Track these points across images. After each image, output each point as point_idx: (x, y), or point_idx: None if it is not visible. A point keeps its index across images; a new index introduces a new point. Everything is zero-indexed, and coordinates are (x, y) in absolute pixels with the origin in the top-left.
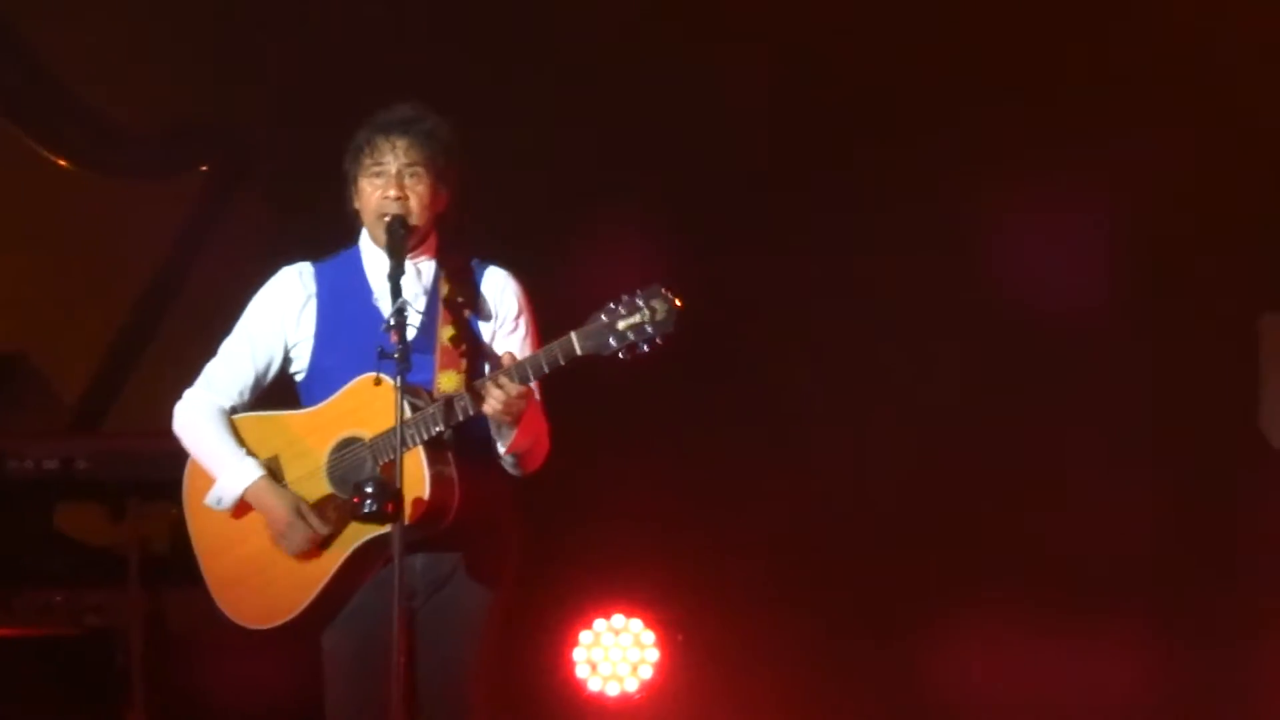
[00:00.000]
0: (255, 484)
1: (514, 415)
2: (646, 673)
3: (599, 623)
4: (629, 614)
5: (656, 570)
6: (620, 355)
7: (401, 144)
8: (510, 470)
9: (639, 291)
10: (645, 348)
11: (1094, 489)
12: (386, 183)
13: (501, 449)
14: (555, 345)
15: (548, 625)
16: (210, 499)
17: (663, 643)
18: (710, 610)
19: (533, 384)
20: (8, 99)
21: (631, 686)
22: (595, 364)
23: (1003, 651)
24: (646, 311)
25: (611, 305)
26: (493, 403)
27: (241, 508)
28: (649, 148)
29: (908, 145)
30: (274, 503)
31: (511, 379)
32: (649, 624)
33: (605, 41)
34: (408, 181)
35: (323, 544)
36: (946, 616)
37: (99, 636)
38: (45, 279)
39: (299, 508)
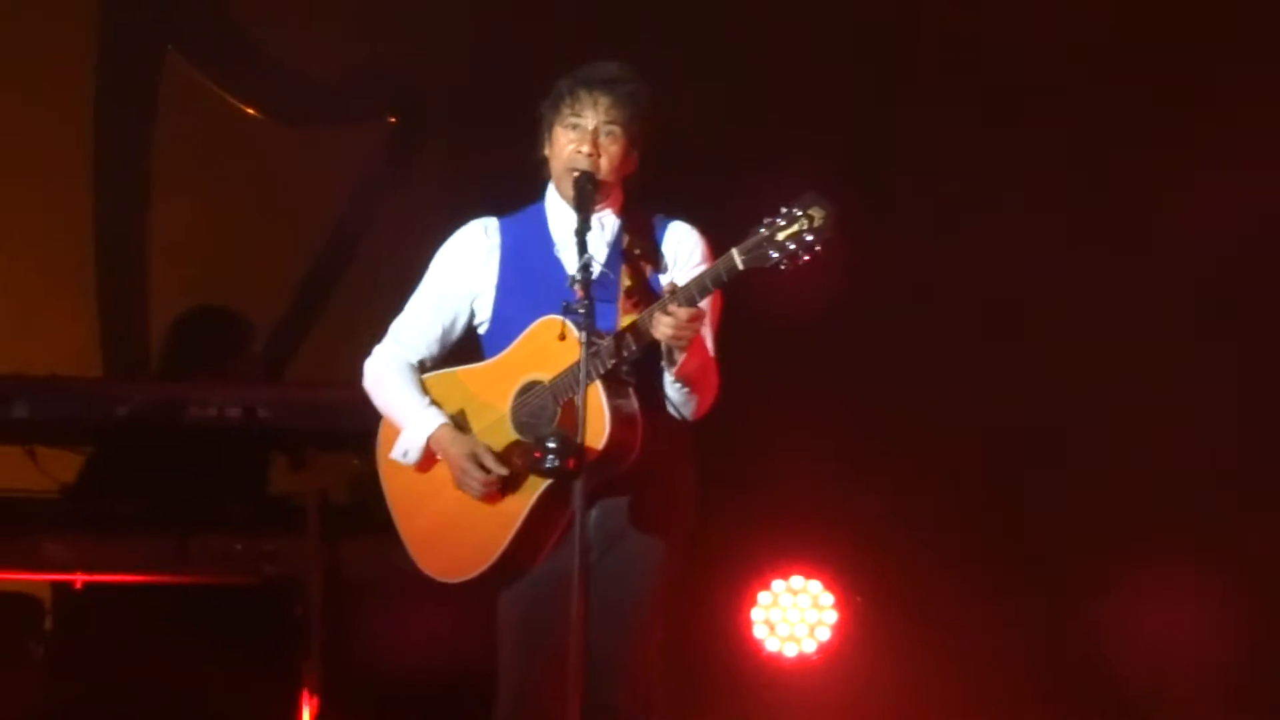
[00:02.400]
0: (437, 432)
1: (683, 339)
2: (824, 634)
3: (777, 583)
4: (808, 575)
5: (837, 531)
6: (782, 267)
7: (604, 101)
8: (678, 408)
9: (795, 201)
10: (806, 256)
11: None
12: (581, 137)
13: (670, 377)
14: (718, 262)
15: (726, 585)
16: (396, 452)
17: (841, 604)
18: (890, 573)
19: (703, 305)
20: (191, 43)
21: (809, 648)
22: (779, 310)
23: (1181, 614)
24: (805, 220)
25: (769, 218)
26: (662, 327)
27: (427, 460)
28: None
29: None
30: (453, 449)
31: (679, 301)
32: (828, 585)
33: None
34: (603, 140)
35: (511, 490)
36: (1128, 580)
37: (277, 585)
38: (230, 227)
39: (475, 451)
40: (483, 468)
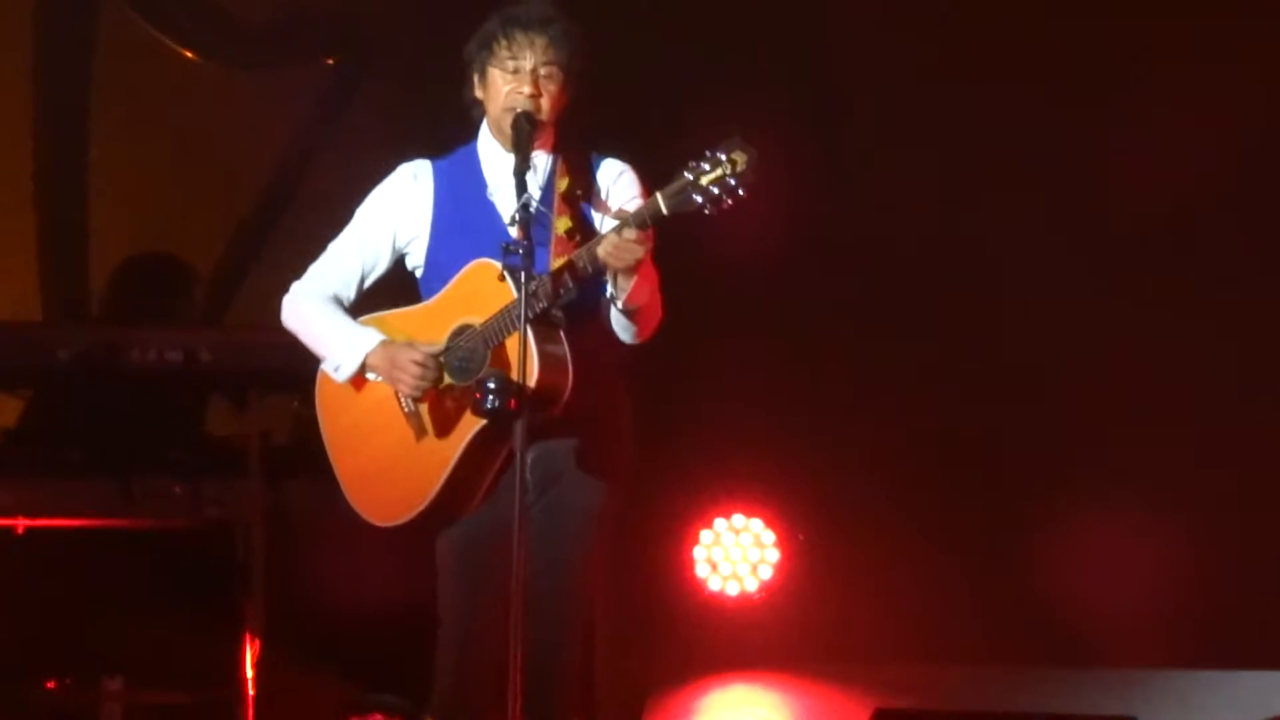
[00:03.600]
0: (376, 348)
1: (631, 262)
2: (766, 573)
3: (719, 522)
4: (750, 513)
5: (778, 469)
6: (707, 211)
7: (540, 42)
8: (623, 334)
9: (718, 145)
10: (730, 201)
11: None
12: (521, 79)
13: (619, 304)
14: (642, 206)
15: (668, 524)
16: (329, 365)
17: (783, 542)
18: (832, 510)
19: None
20: None
21: (751, 586)
22: (714, 248)
23: (1111, 560)
24: (728, 164)
25: (692, 162)
26: (611, 254)
27: (363, 394)
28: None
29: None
30: (391, 351)
31: (628, 225)
32: (770, 523)
33: None
34: (542, 80)
35: (443, 433)
36: (1058, 525)
37: (218, 528)
38: (169, 172)
39: (410, 343)
40: (417, 363)
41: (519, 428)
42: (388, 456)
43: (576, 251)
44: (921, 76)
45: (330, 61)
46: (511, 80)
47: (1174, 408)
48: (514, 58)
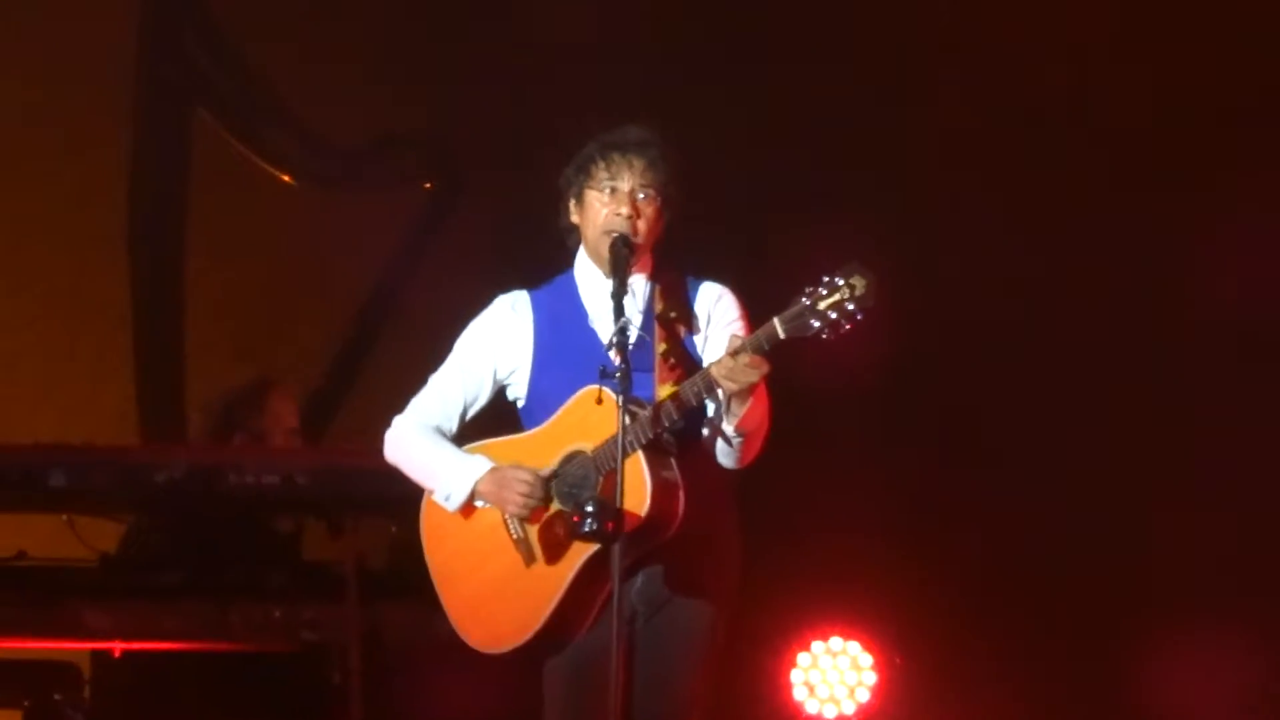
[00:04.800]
0: (485, 474)
1: (747, 386)
2: (864, 695)
3: (817, 644)
4: (846, 636)
5: (876, 592)
6: (824, 335)
7: (639, 164)
8: (725, 459)
9: (837, 270)
10: (848, 325)
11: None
12: (619, 200)
13: (730, 427)
14: (758, 332)
15: (765, 646)
16: (439, 495)
17: (881, 665)
18: (929, 633)
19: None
20: (226, 109)
21: (849, 709)
22: (818, 377)
23: (1212, 667)
24: (846, 289)
25: (810, 287)
26: (725, 377)
27: (471, 521)
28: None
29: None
30: (500, 474)
31: (745, 350)
32: (867, 646)
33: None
34: (640, 202)
35: (554, 560)
36: (1157, 632)
37: (315, 652)
38: (265, 292)
39: (518, 465)
40: (525, 482)
41: (615, 551)
42: (496, 583)
43: (686, 381)
44: (1000, 209)
45: (427, 186)
46: (609, 203)
47: (1264, 520)
48: (611, 179)
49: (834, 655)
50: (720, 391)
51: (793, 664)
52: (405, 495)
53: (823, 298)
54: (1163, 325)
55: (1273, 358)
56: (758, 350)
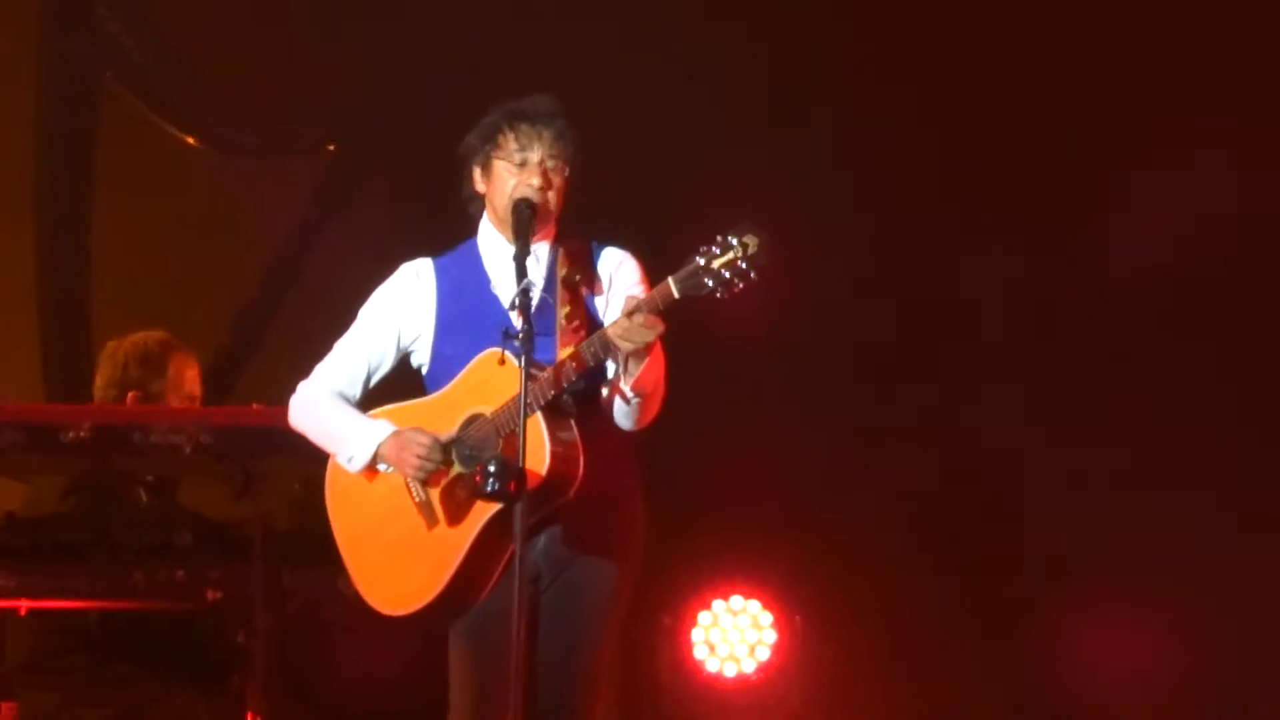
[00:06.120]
0: (387, 438)
1: (642, 346)
2: (764, 654)
3: (718, 603)
4: (747, 595)
5: (775, 551)
6: (719, 295)
7: (547, 135)
8: (623, 420)
9: (730, 229)
10: (741, 285)
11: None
12: (529, 171)
13: (627, 388)
14: (654, 291)
15: (666, 605)
16: (342, 457)
17: (780, 624)
18: (828, 592)
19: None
20: (137, 76)
21: (749, 668)
22: (715, 333)
23: (1115, 633)
24: (739, 248)
25: (704, 246)
26: (622, 338)
27: (373, 484)
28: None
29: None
30: (401, 438)
31: (641, 310)
32: (767, 605)
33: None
34: (549, 172)
35: (455, 522)
36: (1057, 598)
37: (220, 611)
38: (171, 255)
39: (419, 429)
40: (423, 444)
41: (518, 511)
42: (399, 546)
43: (584, 342)
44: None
45: (331, 148)
46: (519, 173)
47: (1179, 493)
48: (521, 150)
49: (734, 614)
50: (618, 352)
51: (693, 623)
52: (310, 456)
53: (716, 256)
54: (1075, 293)
55: (1184, 335)
56: (653, 310)
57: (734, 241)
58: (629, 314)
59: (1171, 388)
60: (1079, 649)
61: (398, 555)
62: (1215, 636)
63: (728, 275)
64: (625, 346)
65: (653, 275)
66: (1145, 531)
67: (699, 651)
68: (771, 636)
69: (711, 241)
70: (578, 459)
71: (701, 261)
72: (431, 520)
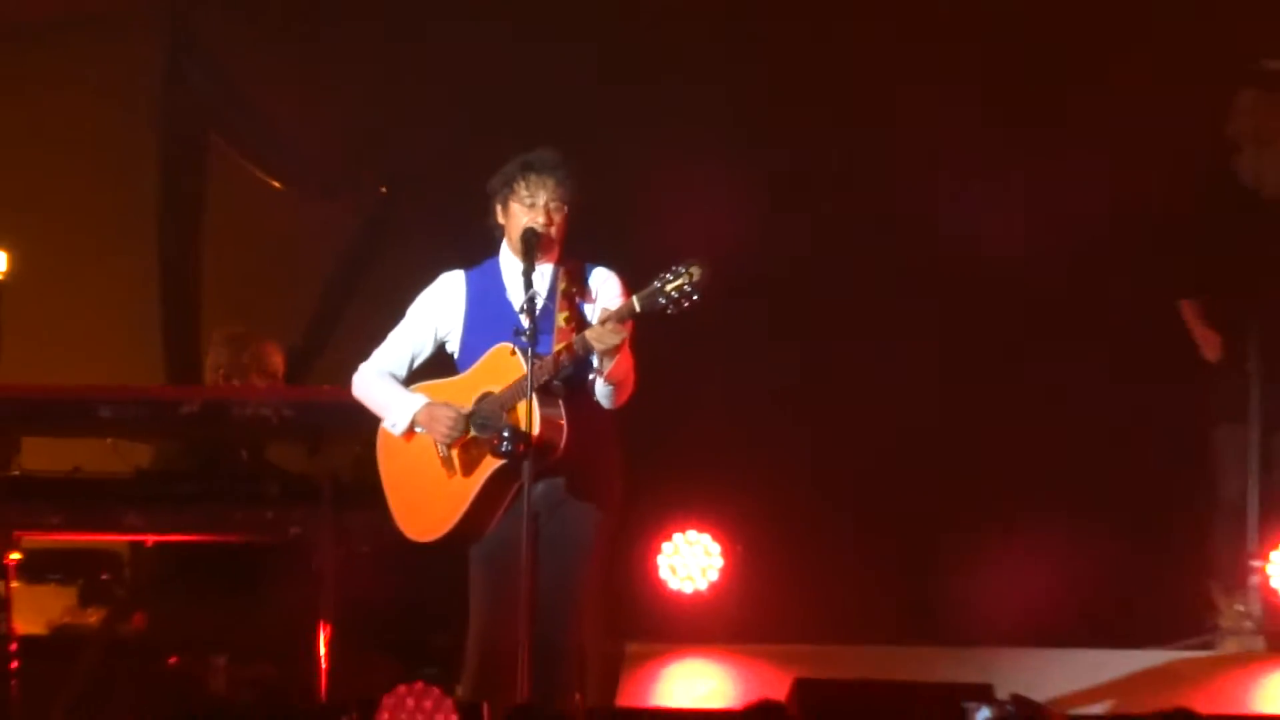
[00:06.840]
0: (422, 409)
1: (612, 347)
2: (714, 575)
3: (677, 536)
4: (700, 529)
5: (723, 497)
6: (669, 310)
7: (551, 183)
8: (604, 400)
9: (681, 262)
10: (686, 304)
11: (1095, 416)
12: (537, 211)
13: (600, 377)
14: (621, 305)
15: (638, 537)
16: (388, 423)
17: (726, 552)
18: (765, 525)
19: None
20: (232, 132)
21: (702, 586)
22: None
23: (1019, 559)
24: (687, 276)
25: (661, 273)
26: (598, 339)
27: (410, 438)
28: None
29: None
30: (432, 410)
31: (611, 319)
32: (716, 538)
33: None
34: (552, 211)
35: (467, 472)
36: (968, 527)
37: (298, 545)
38: (262, 269)
39: (446, 404)
40: (450, 418)
41: (526, 467)
42: (426, 490)
43: (574, 337)
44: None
45: (383, 190)
46: (529, 212)
47: (1061, 421)
48: (531, 195)
49: (690, 545)
50: (594, 350)
51: (659, 551)
52: (368, 425)
53: (669, 282)
54: (998, 238)
55: (1091, 286)
56: (620, 320)
57: (683, 271)
58: (601, 322)
59: (1076, 324)
60: (986, 573)
61: (425, 496)
62: (1106, 556)
63: (677, 296)
64: (599, 347)
65: (632, 286)
66: (1050, 464)
67: (664, 573)
68: (719, 563)
69: (667, 270)
70: (561, 428)
71: (659, 285)
72: (450, 471)
